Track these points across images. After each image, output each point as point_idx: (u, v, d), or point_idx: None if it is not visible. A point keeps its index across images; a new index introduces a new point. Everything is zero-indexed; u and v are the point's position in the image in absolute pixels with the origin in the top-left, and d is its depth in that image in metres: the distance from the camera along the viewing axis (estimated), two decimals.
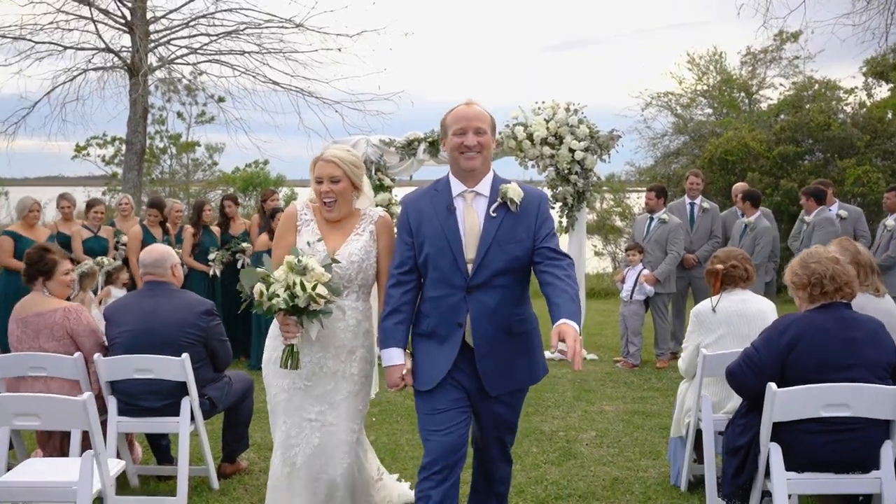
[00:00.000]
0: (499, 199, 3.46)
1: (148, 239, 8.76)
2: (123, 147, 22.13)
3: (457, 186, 3.54)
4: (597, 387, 7.86)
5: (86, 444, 4.53)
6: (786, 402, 3.45)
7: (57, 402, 3.57)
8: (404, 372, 3.52)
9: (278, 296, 3.40)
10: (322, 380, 3.71)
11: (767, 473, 3.54)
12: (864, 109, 20.35)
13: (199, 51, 12.78)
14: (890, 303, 4.35)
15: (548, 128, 9.39)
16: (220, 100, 17.23)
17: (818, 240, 8.07)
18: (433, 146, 9.82)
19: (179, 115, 21.51)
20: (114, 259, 8.82)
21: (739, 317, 4.58)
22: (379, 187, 10.13)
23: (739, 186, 10.10)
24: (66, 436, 4.79)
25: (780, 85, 23.45)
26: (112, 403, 4.73)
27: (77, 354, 4.68)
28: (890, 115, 19.91)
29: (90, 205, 9.60)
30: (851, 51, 22.86)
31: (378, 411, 6.83)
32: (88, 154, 21.85)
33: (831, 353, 3.51)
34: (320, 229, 3.80)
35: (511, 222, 3.46)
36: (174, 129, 22.79)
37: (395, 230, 3.79)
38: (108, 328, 4.88)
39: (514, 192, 3.45)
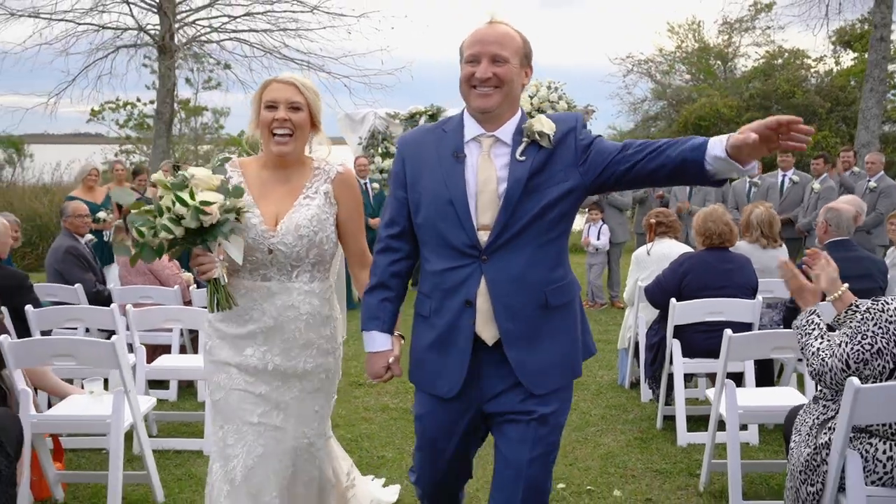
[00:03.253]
0: (525, 139, 2.63)
1: None
2: (135, 112, 23.65)
3: (472, 128, 2.69)
4: None
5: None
6: (682, 312, 5.11)
7: (190, 314, 5.20)
8: (391, 360, 2.80)
9: (160, 223, 2.66)
10: (266, 378, 2.98)
11: (672, 361, 5.21)
12: (829, 78, 21.86)
13: (219, 29, 14.22)
14: (774, 252, 6.02)
15: (531, 103, 10.96)
16: (227, 66, 18.58)
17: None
18: (432, 119, 11.42)
19: (187, 80, 22.89)
20: None
21: (666, 259, 6.15)
22: (386, 154, 11.72)
23: None
24: None
25: (755, 53, 24.93)
26: None
27: (176, 287, 6.29)
28: (853, 83, 21.42)
29: (136, 172, 11.14)
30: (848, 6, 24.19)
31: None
32: (103, 118, 23.25)
33: (712, 278, 5.17)
34: (253, 190, 2.96)
35: (544, 161, 2.62)
36: (182, 94, 24.25)
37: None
38: None
39: (543, 123, 2.64)
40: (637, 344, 6.26)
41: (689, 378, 5.53)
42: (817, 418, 3.15)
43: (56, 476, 4.06)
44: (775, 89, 20.93)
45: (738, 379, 4.92)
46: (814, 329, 3.22)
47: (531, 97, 11.01)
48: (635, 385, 6.51)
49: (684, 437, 5.08)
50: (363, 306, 2.86)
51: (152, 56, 16.04)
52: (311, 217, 2.92)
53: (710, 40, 25.15)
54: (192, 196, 2.64)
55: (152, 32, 13.82)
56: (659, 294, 5.32)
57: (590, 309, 10.43)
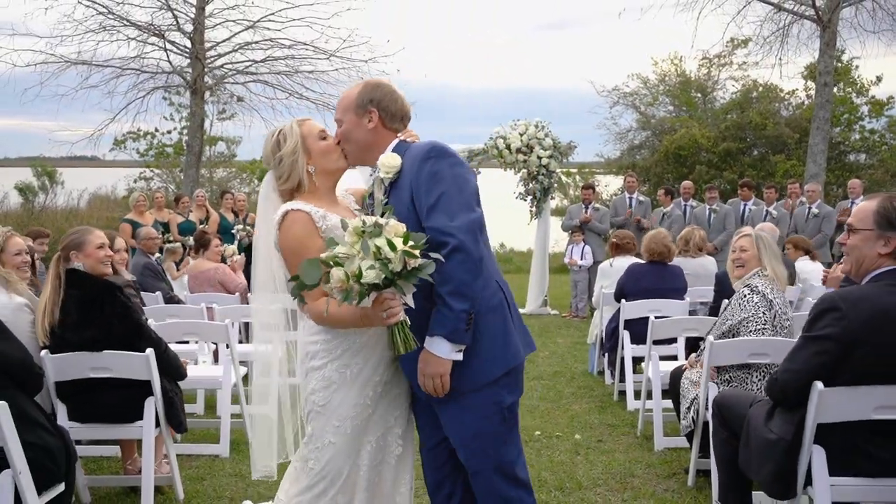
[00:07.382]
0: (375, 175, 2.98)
1: (224, 223, 12.01)
2: (154, 140, 25.40)
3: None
4: (555, 329, 11.20)
5: None
6: (630, 309, 6.77)
7: None
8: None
9: (373, 268, 2.65)
10: (395, 378, 3.17)
11: (623, 347, 6.85)
12: (799, 111, 23.61)
13: (243, 72, 16.00)
14: (701, 260, 7.70)
15: (521, 140, 12.66)
16: (240, 99, 20.34)
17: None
18: None
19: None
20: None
21: (623, 270, 7.88)
22: None
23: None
24: None
25: (733, 86, 26.69)
26: None
27: (237, 294, 7.92)
28: None
29: (178, 198, 12.84)
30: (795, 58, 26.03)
31: None
32: (125, 147, 24.94)
33: (651, 283, 6.85)
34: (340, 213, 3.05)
35: (394, 200, 2.89)
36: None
37: None
38: None
39: (383, 167, 2.94)
40: (602, 339, 7.91)
41: (639, 361, 7.17)
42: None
43: None
44: (749, 121, 22.68)
45: (674, 358, 6.59)
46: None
47: (521, 135, 12.68)
48: (602, 373, 8.14)
49: (632, 403, 6.71)
50: None
51: (172, 91, 17.86)
52: None
53: (690, 73, 26.94)
54: (405, 241, 2.70)
55: (185, 75, 15.60)
56: (617, 293, 7.07)
57: (572, 319, 12.12)
